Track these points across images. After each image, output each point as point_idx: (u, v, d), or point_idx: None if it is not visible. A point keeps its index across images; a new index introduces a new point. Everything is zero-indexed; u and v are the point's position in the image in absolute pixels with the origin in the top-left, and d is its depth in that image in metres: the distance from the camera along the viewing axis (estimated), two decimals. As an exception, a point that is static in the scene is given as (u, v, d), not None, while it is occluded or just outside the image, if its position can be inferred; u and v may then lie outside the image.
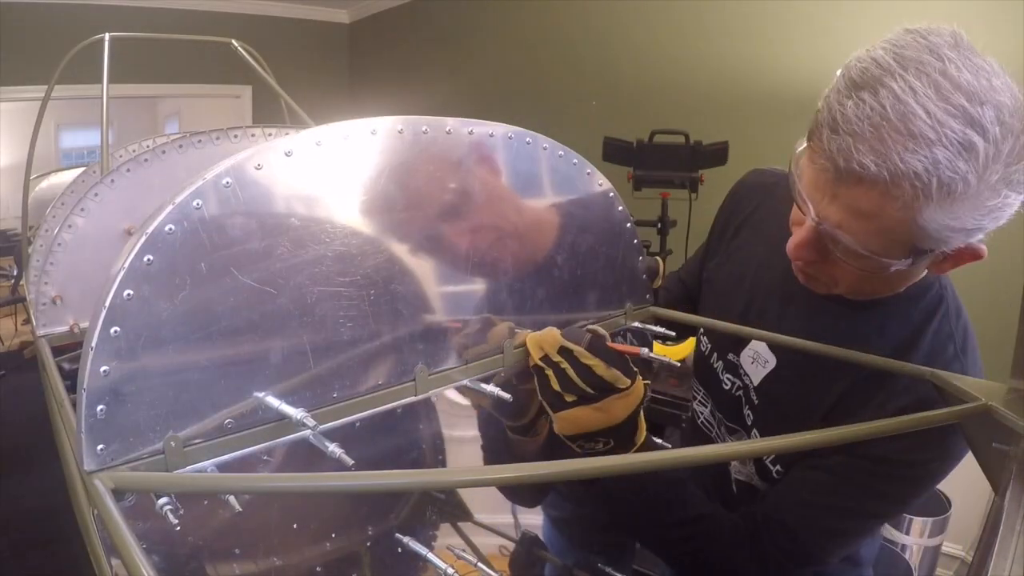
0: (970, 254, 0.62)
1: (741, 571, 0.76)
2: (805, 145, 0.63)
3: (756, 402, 0.83)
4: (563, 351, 0.70)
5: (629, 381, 0.70)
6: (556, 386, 0.70)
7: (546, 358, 0.71)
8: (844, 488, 0.71)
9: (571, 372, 0.69)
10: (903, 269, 0.62)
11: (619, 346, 0.72)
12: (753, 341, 0.83)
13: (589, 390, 0.69)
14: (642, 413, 0.74)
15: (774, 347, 0.81)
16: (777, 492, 0.78)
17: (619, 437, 0.72)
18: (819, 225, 0.62)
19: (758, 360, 0.84)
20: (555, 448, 0.76)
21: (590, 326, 0.75)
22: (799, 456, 0.77)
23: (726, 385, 0.89)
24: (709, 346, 0.93)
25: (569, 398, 0.70)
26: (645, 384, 0.74)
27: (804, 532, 0.73)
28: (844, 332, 0.74)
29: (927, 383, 0.66)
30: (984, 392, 0.56)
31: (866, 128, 0.54)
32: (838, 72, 0.59)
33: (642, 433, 0.74)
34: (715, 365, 0.91)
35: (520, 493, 0.91)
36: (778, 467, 0.80)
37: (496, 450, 0.84)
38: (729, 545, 0.76)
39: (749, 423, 0.85)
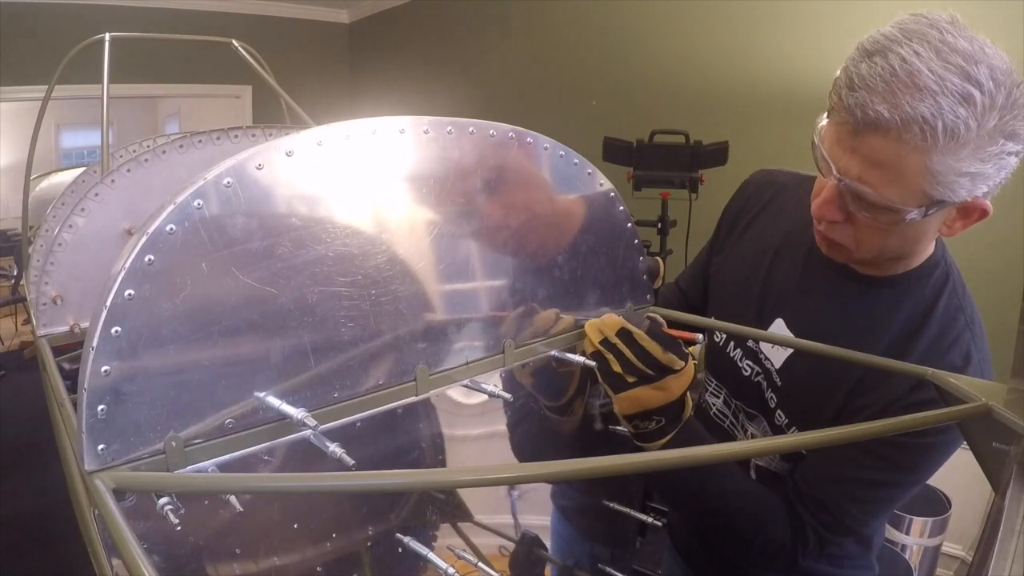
0: (978, 211, 0.68)
1: (779, 543, 0.79)
2: (826, 120, 0.71)
3: (780, 384, 0.86)
4: (622, 333, 0.76)
5: (683, 362, 0.77)
6: (617, 368, 0.76)
7: (606, 342, 0.77)
8: (872, 460, 0.75)
9: (630, 354, 0.75)
10: (918, 220, 0.67)
11: (675, 332, 0.78)
12: (774, 324, 0.87)
13: (649, 371, 0.75)
14: (689, 393, 0.79)
15: (794, 328, 0.84)
16: (807, 469, 0.81)
17: (671, 414, 0.78)
18: (841, 181, 0.68)
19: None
20: (589, 426, 0.81)
21: (648, 313, 0.82)
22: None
23: (745, 372, 0.91)
24: (724, 336, 0.95)
25: (630, 379, 0.76)
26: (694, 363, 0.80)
27: (839, 504, 0.77)
28: (862, 311, 0.80)
29: (953, 351, 0.73)
30: (984, 392, 0.56)
31: (879, 84, 0.62)
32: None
33: (688, 410, 0.80)
34: (732, 354, 0.93)
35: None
36: None
37: (532, 429, 0.86)
38: (767, 518, 0.79)
39: (772, 406, 0.87)
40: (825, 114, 0.71)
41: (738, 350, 0.92)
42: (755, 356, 0.90)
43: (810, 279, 0.85)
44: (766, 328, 0.87)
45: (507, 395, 0.69)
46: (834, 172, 0.68)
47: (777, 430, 0.86)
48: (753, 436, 0.90)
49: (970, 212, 0.69)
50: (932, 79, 0.60)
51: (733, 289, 0.94)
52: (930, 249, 0.79)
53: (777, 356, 0.86)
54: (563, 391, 0.85)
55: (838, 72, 0.68)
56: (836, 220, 0.72)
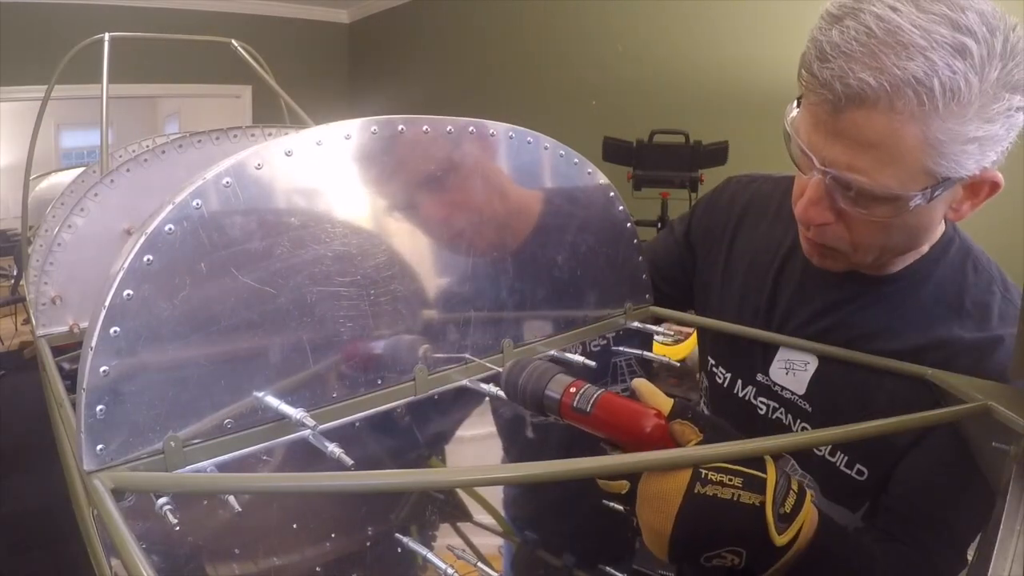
0: (988, 185, 0.60)
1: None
2: (797, 108, 0.64)
3: (810, 410, 0.77)
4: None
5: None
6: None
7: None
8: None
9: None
10: (923, 207, 0.59)
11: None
12: (780, 351, 0.80)
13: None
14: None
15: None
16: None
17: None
18: (827, 174, 0.60)
19: (794, 368, 0.78)
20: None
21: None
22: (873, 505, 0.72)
23: (761, 410, 0.82)
24: (728, 376, 0.87)
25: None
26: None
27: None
28: (877, 313, 0.72)
29: (1004, 331, 0.65)
30: (984, 392, 0.56)
31: (856, 48, 0.54)
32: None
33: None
34: (742, 393, 0.85)
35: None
36: (858, 466, 0.72)
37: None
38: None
39: None
40: (795, 102, 0.64)
41: (748, 387, 0.84)
42: (768, 390, 0.81)
43: (813, 294, 0.77)
44: (774, 361, 0.80)
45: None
46: (816, 165, 0.60)
47: (817, 463, 0.75)
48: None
49: (979, 188, 0.61)
50: (917, 33, 0.52)
51: (732, 321, 0.84)
52: (939, 232, 0.70)
53: (798, 381, 0.78)
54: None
55: (806, 45, 0.59)
56: (826, 222, 0.64)
